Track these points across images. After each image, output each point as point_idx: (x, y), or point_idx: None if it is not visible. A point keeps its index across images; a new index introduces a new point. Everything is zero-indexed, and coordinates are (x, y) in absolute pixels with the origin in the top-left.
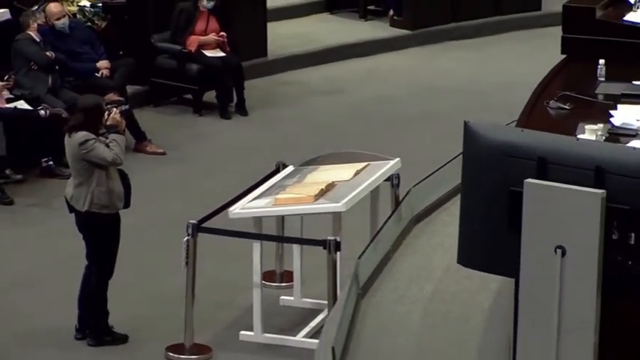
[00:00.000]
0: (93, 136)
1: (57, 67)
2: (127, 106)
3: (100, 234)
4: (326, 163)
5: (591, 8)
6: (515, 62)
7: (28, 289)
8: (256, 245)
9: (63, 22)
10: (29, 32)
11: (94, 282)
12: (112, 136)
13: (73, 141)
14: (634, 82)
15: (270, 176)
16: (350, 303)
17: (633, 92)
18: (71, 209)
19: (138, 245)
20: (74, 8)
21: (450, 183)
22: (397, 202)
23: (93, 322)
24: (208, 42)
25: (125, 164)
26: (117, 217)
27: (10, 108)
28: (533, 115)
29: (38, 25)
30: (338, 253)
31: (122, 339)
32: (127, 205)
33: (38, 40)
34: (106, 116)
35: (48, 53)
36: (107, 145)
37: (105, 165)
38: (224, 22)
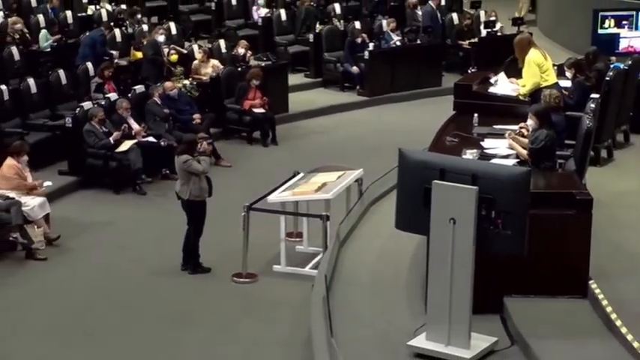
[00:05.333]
0: (191, 157)
1: (170, 118)
2: (210, 140)
3: (195, 212)
4: (321, 171)
5: (470, 85)
6: (428, 115)
7: (154, 242)
8: (282, 218)
9: (174, 92)
10: (154, 98)
11: (192, 238)
12: (202, 157)
13: (179, 160)
14: (494, 126)
15: (290, 179)
16: (334, 251)
17: (494, 132)
18: (178, 198)
19: (216, 218)
20: (180, 85)
21: (390, 183)
22: (361, 194)
23: (191, 260)
24: (255, 104)
25: (209, 172)
26: (204, 202)
27: (144, 140)
28: (437, 145)
29: (159, 94)
30: (328, 222)
31: (207, 270)
32: (210, 195)
33: (160, 102)
34: (198, 146)
35: (165, 110)
36: (199, 162)
37: (198, 173)
38: (264, 92)
